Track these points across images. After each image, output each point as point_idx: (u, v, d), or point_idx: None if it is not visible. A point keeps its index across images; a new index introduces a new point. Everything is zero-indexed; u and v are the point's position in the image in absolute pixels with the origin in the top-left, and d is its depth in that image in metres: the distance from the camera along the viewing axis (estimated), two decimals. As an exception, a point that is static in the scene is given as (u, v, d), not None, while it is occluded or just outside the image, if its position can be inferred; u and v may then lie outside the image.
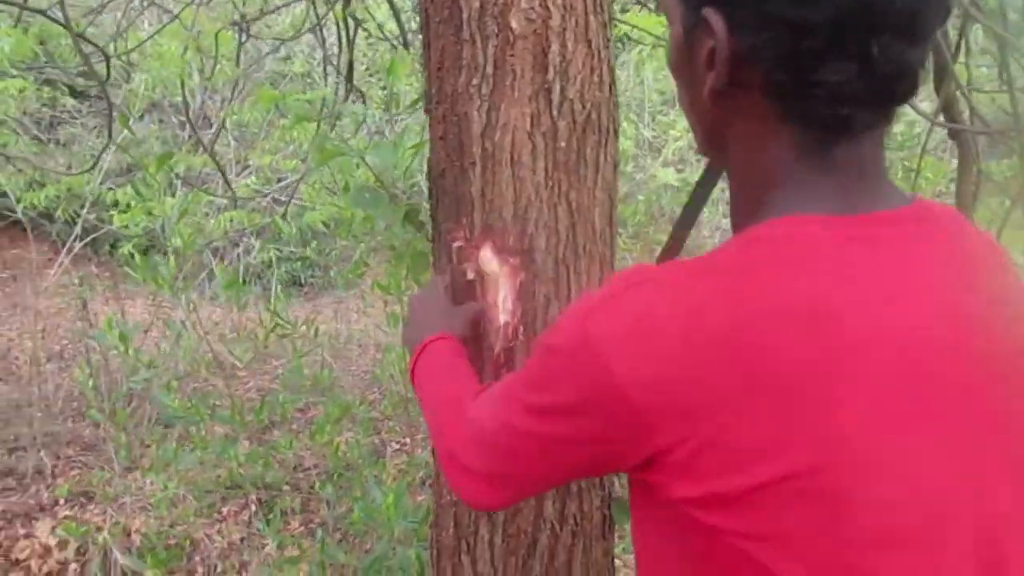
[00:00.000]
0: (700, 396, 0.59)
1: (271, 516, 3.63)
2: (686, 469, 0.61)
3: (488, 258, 1.27)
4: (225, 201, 4.30)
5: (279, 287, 6.51)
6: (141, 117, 6.54)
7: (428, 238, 1.44)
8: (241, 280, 6.25)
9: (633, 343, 0.62)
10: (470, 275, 1.28)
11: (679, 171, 6.00)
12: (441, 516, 1.37)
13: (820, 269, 0.62)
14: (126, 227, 3.88)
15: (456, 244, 1.30)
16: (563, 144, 1.25)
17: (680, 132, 5.90)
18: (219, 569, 3.61)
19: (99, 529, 3.72)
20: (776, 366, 0.58)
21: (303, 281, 7.35)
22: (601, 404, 0.64)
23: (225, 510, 3.87)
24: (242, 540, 3.83)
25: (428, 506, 1.74)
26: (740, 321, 0.60)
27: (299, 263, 7.09)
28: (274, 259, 6.37)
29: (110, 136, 2.65)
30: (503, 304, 1.27)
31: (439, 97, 1.30)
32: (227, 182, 3.23)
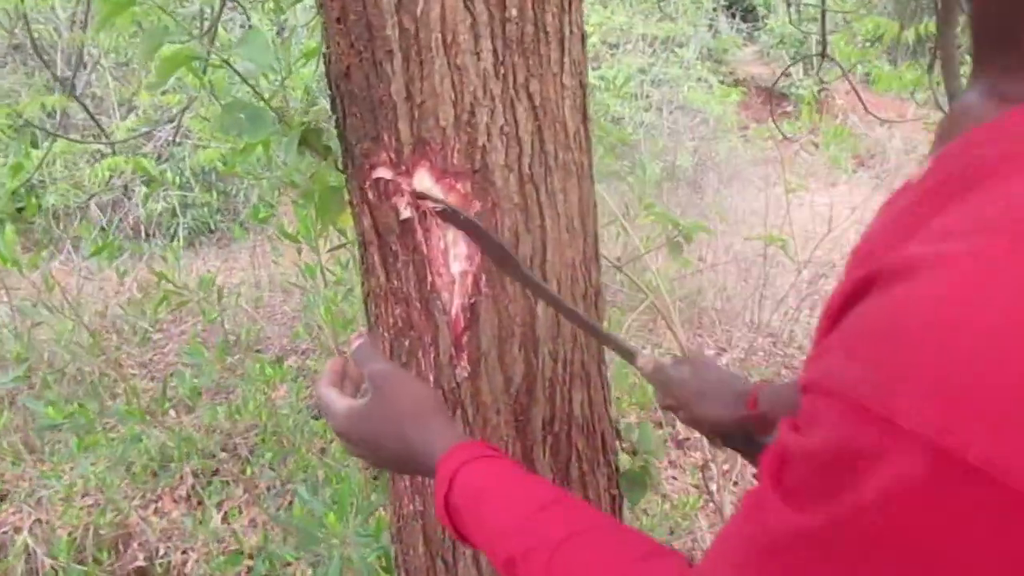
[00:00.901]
0: None
1: (210, 487, 3.27)
2: None
3: (427, 185, 0.91)
4: (107, 149, 3.75)
5: (184, 237, 5.96)
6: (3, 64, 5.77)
7: (338, 167, 1.06)
8: (144, 233, 5.67)
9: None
10: (405, 213, 0.91)
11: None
12: (405, 531, 1.05)
13: None
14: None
15: (378, 172, 0.93)
16: (514, 11, 0.88)
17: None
18: (161, 552, 3.26)
19: (17, 530, 3.31)
20: None
21: (213, 227, 6.76)
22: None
23: (159, 489, 3.48)
24: (183, 517, 3.47)
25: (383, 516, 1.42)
26: None
27: (205, 209, 6.48)
28: (177, 207, 5.79)
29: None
30: (454, 248, 0.91)
31: (328, -40, 0.90)
32: (97, 124, 2.72)
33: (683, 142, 7.01)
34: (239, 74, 0.87)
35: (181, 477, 3.40)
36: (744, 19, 10.64)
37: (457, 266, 0.91)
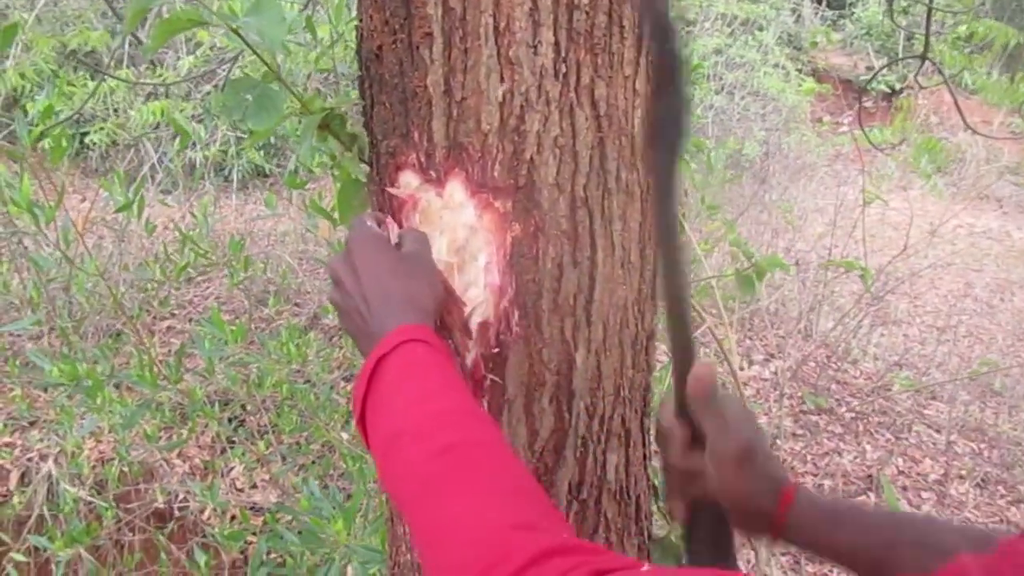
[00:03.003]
0: None
1: (236, 437, 3.23)
2: None
3: (458, 200, 0.75)
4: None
5: (238, 180, 5.91)
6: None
7: (362, 159, 0.91)
8: (198, 175, 5.63)
9: None
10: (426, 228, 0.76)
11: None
12: (398, 583, 0.91)
13: None
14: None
15: (404, 175, 0.78)
16: (585, -2, 0.71)
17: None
18: (180, 498, 3.23)
19: (44, 457, 3.31)
20: None
21: (267, 171, 6.69)
22: None
23: (185, 432, 3.45)
24: (206, 465, 3.44)
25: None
26: None
27: (261, 151, 6.41)
28: (233, 148, 5.71)
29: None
30: (483, 276, 0.76)
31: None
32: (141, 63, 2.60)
33: (753, 130, 6.70)
34: (250, 47, 0.72)
35: (207, 424, 3.35)
36: (830, 5, 10.14)
37: (483, 298, 0.76)
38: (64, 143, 1.55)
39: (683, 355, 0.72)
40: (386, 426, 0.61)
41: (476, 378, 0.78)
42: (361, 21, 0.79)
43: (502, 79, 0.72)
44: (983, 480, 3.37)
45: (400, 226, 0.78)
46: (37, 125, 1.80)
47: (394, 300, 0.68)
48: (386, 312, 0.67)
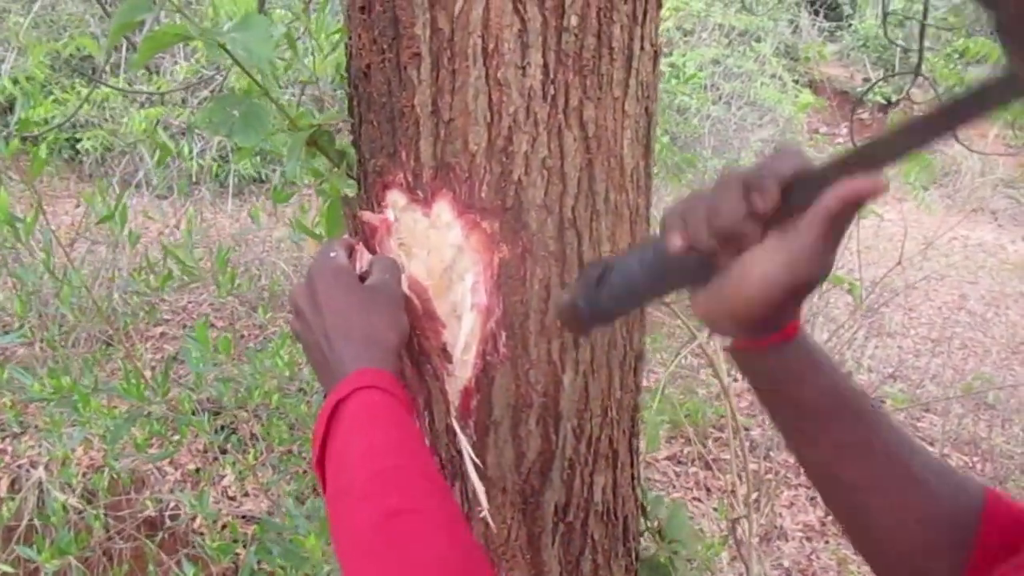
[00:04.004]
0: None
1: (229, 444, 3.21)
2: None
3: (445, 220, 0.75)
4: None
5: (234, 184, 5.89)
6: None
7: (350, 175, 0.91)
8: (192, 180, 5.62)
9: None
10: (412, 252, 0.76)
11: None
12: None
13: None
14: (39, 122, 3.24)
15: (391, 194, 0.78)
16: (574, 19, 0.71)
17: None
18: (172, 505, 3.21)
19: (34, 465, 3.29)
20: None
21: (263, 177, 6.69)
22: None
23: (173, 445, 3.44)
24: (197, 471, 3.43)
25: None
26: None
27: (258, 157, 6.40)
28: (230, 154, 5.71)
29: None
30: (469, 296, 0.76)
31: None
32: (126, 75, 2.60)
33: (749, 140, 6.71)
34: (237, 62, 0.72)
35: (197, 433, 3.33)
36: (827, 17, 10.17)
37: (470, 320, 0.76)
38: (43, 155, 1.54)
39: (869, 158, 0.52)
40: (336, 481, 0.60)
41: (466, 404, 0.77)
42: (351, 39, 0.79)
43: (490, 100, 0.72)
44: (976, 494, 3.36)
45: (374, 250, 0.78)
46: (18, 132, 1.79)
47: (355, 337, 0.67)
48: (346, 350, 0.66)
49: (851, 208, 0.51)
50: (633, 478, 0.92)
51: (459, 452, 0.80)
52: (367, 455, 0.60)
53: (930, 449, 3.69)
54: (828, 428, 0.57)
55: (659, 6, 0.80)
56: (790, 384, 0.58)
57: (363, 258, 0.75)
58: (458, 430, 0.75)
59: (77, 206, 4.67)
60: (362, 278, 0.73)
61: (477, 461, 0.79)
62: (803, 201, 0.53)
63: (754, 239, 0.54)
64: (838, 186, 0.51)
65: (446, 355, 0.75)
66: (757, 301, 0.55)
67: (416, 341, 0.75)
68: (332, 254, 0.73)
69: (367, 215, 0.77)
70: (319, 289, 0.70)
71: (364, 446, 0.60)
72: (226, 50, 0.70)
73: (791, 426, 0.60)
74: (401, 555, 0.54)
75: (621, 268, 0.60)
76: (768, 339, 0.57)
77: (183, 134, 4.32)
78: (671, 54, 6.72)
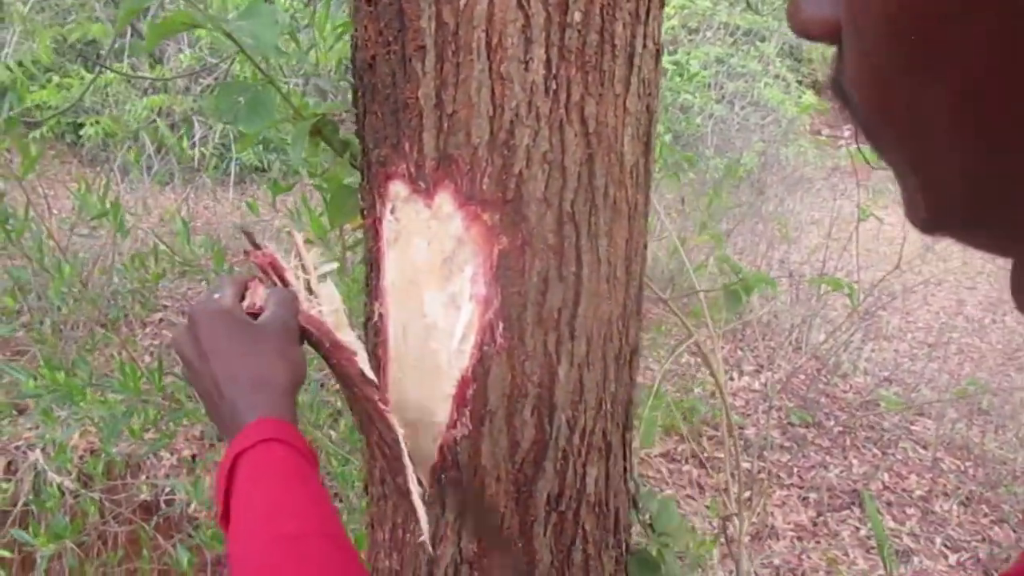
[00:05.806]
0: None
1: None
2: None
3: (447, 211, 0.76)
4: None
5: (236, 173, 5.89)
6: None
7: (353, 164, 0.92)
8: (195, 167, 5.62)
9: None
10: (412, 242, 0.77)
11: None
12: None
13: None
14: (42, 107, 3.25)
15: (394, 184, 0.79)
16: (577, 15, 0.72)
17: None
18: (167, 490, 3.22)
19: (32, 447, 3.30)
20: None
21: (266, 165, 6.68)
22: None
23: (169, 431, 3.45)
24: (194, 458, 3.43)
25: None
26: None
27: (260, 146, 6.40)
28: (232, 143, 5.71)
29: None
30: (468, 287, 0.77)
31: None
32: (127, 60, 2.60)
33: (751, 141, 6.72)
34: (243, 50, 0.73)
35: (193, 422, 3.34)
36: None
37: (468, 311, 0.77)
38: (35, 153, 1.54)
39: None
40: (235, 546, 0.59)
41: (461, 395, 0.78)
42: (356, 31, 0.80)
43: (493, 94, 0.73)
44: (967, 498, 3.39)
45: (286, 282, 0.77)
46: (8, 127, 1.78)
47: (245, 383, 0.64)
48: (239, 398, 0.63)
49: None
50: (626, 471, 0.94)
51: (457, 441, 0.81)
52: (267, 518, 0.58)
53: (924, 452, 3.71)
54: None
55: (662, 5, 0.81)
56: None
57: (258, 293, 0.74)
58: (403, 446, 0.74)
59: (80, 190, 4.68)
60: (258, 314, 0.71)
61: (424, 484, 0.80)
62: None
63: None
64: None
65: (367, 380, 0.74)
66: None
67: (336, 370, 0.75)
68: (216, 295, 0.70)
69: (256, 254, 0.77)
70: (201, 334, 0.67)
71: (264, 508, 0.58)
72: (232, 38, 0.71)
73: None
74: None
75: None
76: None
77: (185, 122, 4.33)
78: (676, 52, 6.72)
